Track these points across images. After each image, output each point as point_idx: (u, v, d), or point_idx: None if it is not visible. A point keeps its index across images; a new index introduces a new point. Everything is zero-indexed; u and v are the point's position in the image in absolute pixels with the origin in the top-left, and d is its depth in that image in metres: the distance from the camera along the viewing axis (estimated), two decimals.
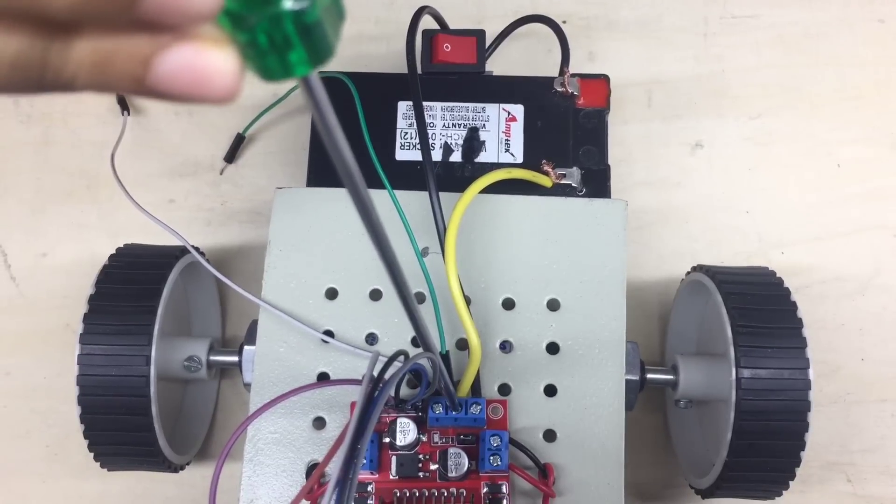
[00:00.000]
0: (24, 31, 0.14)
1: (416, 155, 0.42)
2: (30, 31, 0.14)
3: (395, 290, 0.25)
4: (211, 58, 0.15)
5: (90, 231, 0.50)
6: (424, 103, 0.41)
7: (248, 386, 0.38)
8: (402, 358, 0.32)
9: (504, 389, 0.37)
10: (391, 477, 0.35)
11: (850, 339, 0.48)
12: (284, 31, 0.14)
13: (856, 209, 0.50)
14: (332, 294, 0.39)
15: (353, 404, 0.36)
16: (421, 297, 0.38)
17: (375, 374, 0.32)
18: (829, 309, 0.48)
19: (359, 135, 0.40)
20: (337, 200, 0.40)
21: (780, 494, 0.39)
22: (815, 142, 0.51)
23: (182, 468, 0.43)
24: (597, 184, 0.42)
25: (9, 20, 0.14)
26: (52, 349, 0.48)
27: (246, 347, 0.40)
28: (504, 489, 0.35)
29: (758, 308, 0.38)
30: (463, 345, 0.38)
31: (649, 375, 0.41)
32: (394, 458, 0.35)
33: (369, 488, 0.35)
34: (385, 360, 0.33)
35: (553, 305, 0.38)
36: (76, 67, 0.15)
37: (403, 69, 0.40)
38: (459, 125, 0.43)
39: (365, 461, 0.34)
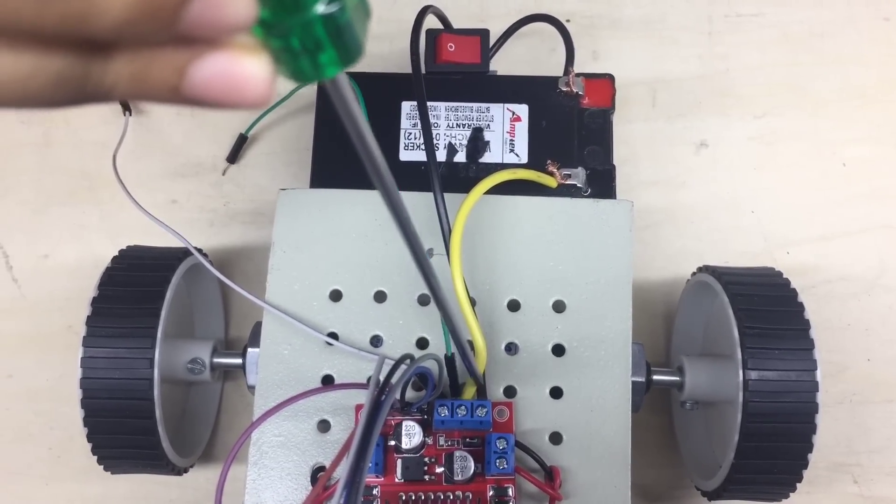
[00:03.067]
0: (67, 50, 0.15)
1: (420, 155, 0.42)
2: (73, 50, 0.15)
3: (422, 279, 0.25)
4: (245, 64, 0.15)
5: (92, 232, 0.50)
6: (428, 103, 0.41)
7: (251, 388, 0.38)
8: (407, 361, 0.32)
9: (510, 392, 0.37)
10: (396, 480, 0.35)
11: (856, 339, 0.48)
12: (316, 35, 0.14)
13: (861, 208, 0.50)
14: (336, 296, 0.38)
15: (357, 407, 0.36)
16: (426, 299, 0.38)
17: (381, 377, 0.32)
18: (835, 309, 0.48)
19: None
20: (341, 201, 0.40)
21: (786, 496, 0.39)
22: (820, 141, 0.51)
23: (185, 471, 0.43)
24: (602, 184, 0.41)
25: (54, 41, 0.15)
26: (55, 351, 0.48)
27: (250, 350, 0.39)
28: (510, 492, 0.35)
29: (765, 309, 0.38)
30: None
31: (655, 377, 0.41)
32: (399, 462, 0.35)
33: (375, 492, 0.35)
34: (391, 362, 0.33)
35: (559, 307, 0.38)
36: (115, 80, 0.15)
37: (407, 68, 0.40)
38: (463, 125, 0.42)
39: (370, 464, 0.34)
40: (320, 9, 0.14)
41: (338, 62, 0.15)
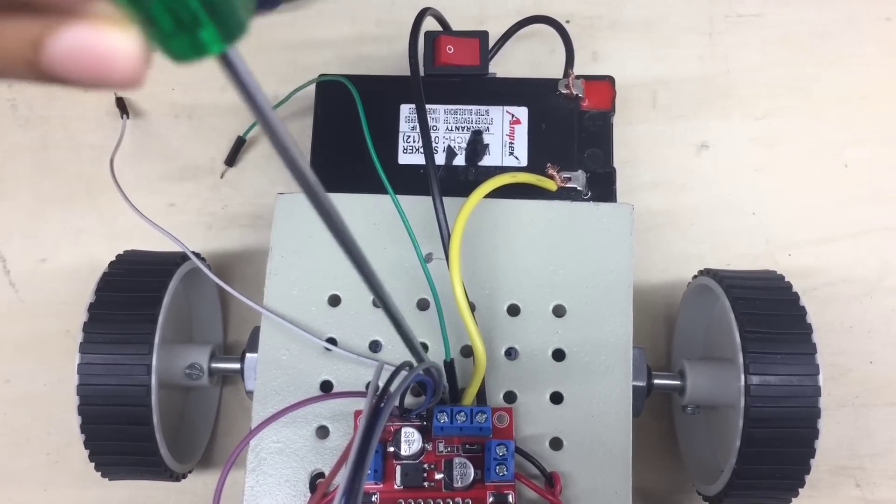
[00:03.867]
0: None
1: (419, 159, 0.41)
2: None
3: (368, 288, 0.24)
4: (110, 38, 0.14)
5: (89, 236, 0.50)
6: (427, 106, 0.40)
7: (250, 394, 0.38)
8: (406, 368, 0.32)
9: (510, 397, 0.37)
10: (396, 487, 0.35)
11: (858, 341, 0.47)
12: (191, 9, 0.13)
13: (863, 210, 0.49)
14: (334, 301, 0.38)
15: (356, 413, 0.36)
16: (425, 304, 0.38)
17: (380, 384, 0.31)
18: (837, 311, 0.48)
19: (361, 139, 0.40)
20: (339, 205, 0.39)
21: (788, 501, 0.39)
22: (821, 142, 0.50)
23: (184, 476, 0.42)
24: (602, 187, 0.41)
25: None
26: (52, 356, 0.47)
27: (248, 355, 0.39)
28: (510, 499, 0.34)
29: (766, 313, 0.38)
30: (468, 352, 0.37)
31: (656, 381, 0.40)
32: (398, 468, 0.35)
33: (374, 499, 0.34)
34: (390, 368, 0.32)
35: (559, 311, 0.38)
36: None
37: (405, 71, 0.40)
38: (463, 128, 0.42)
39: (369, 471, 0.33)
40: None
41: (220, 39, 0.14)
